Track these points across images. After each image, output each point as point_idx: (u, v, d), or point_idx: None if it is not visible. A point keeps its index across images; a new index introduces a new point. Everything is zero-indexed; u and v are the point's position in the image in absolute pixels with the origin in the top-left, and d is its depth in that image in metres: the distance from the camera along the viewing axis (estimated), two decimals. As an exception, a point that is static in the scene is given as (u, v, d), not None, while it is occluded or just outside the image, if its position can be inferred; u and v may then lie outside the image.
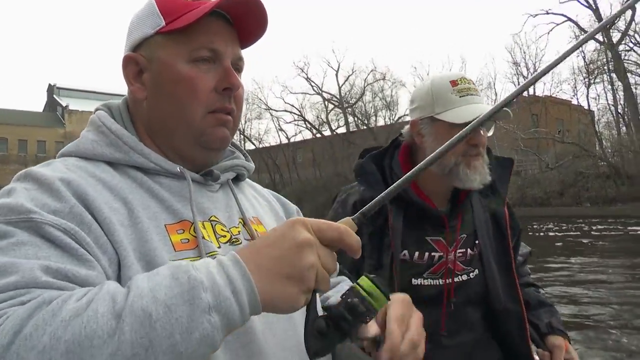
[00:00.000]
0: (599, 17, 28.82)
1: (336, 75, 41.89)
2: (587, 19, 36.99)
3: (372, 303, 0.68)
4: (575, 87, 33.37)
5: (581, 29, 29.94)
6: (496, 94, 37.38)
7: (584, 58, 30.46)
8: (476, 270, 1.57)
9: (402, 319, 0.83)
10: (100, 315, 0.55)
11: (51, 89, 62.01)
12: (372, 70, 41.17)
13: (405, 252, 1.51)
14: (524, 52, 33.11)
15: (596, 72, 30.04)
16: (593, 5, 28.91)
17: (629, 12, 28.37)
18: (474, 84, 1.52)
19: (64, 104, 57.24)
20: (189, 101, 0.86)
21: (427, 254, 1.52)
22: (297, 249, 0.64)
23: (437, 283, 1.53)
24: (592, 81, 30.86)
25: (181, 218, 0.83)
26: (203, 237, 0.83)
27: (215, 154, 0.95)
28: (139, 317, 0.55)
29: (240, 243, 0.90)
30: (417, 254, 1.52)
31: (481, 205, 1.63)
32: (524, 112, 31.53)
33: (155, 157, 0.87)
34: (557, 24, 31.31)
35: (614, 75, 29.22)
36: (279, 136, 46.78)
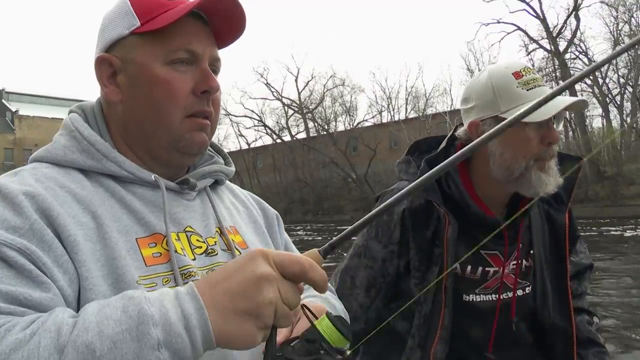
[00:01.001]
0: (546, 26, 30.19)
1: (296, 80, 42.07)
2: (535, 28, 38.68)
3: (330, 344, 0.66)
4: (526, 94, 34.42)
5: (530, 38, 31.27)
6: (452, 100, 38.50)
7: (532, 66, 31.73)
8: (530, 284, 1.41)
9: None
10: (42, 348, 0.54)
11: (-1, 94, 59.37)
12: (331, 76, 41.60)
13: (457, 265, 1.34)
14: (478, 60, 34.08)
15: (545, 79, 31.36)
16: (541, 15, 30.26)
17: (573, 22, 29.87)
18: (536, 72, 1.31)
19: (13, 109, 54.75)
20: (166, 104, 0.83)
21: (480, 268, 1.35)
22: (255, 283, 0.61)
23: (490, 299, 1.36)
24: (540, 88, 32.12)
25: (153, 231, 0.81)
26: (176, 251, 0.81)
27: (193, 158, 0.94)
28: (82, 352, 0.54)
29: (217, 254, 0.88)
30: (469, 268, 1.35)
31: (539, 210, 1.43)
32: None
33: (129, 165, 0.84)
34: (508, 33, 32.50)
35: (561, 82, 30.61)
36: (239, 142, 46.53)
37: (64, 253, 0.70)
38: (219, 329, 0.60)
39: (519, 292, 1.38)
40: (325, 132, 39.82)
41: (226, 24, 0.89)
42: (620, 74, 31.72)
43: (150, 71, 0.83)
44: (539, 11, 30.20)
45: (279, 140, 43.98)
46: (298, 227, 26.85)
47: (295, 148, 41.04)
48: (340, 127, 42.61)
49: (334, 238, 0.69)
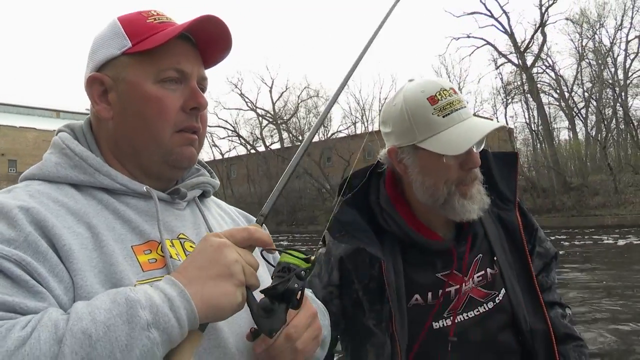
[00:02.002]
0: (514, 41, 31.09)
1: (270, 91, 42.16)
2: (504, 43, 39.74)
3: (297, 266, 0.77)
4: (495, 106, 35.31)
5: (499, 52, 32.14)
6: (424, 112, 38.87)
7: (501, 79, 32.65)
8: (502, 291, 1.35)
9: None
10: (43, 341, 0.58)
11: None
12: (305, 87, 42.00)
13: (417, 296, 1.29)
14: (449, 72, 34.79)
15: (513, 92, 32.24)
16: (509, 31, 31.16)
17: (540, 37, 30.82)
18: (455, 91, 1.24)
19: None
20: (157, 120, 0.87)
21: (440, 291, 1.29)
22: (217, 251, 0.71)
23: (462, 318, 1.30)
24: (509, 101, 33.11)
25: (148, 238, 0.85)
26: (171, 256, 0.84)
27: (182, 172, 0.98)
28: (79, 339, 0.59)
29: None
30: (430, 295, 1.29)
31: (490, 215, 1.39)
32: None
33: (122, 178, 0.88)
34: (478, 47, 33.39)
35: (529, 95, 31.53)
36: (212, 152, 46.14)
37: (59, 263, 0.73)
38: (201, 298, 0.68)
39: (490, 305, 1.33)
40: (299, 143, 39.88)
41: (213, 45, 0.94)
42: (584, 88, 32.85)
43: (142, 89, 0.87)
44: (507, 27, 31.12)
45: (253, 151, 43.85)
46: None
47: (269, 158, 40.97)
48: (315, 138, 42.56)
49: (264, 206, 0.87)
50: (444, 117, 1.20)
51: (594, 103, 31.91)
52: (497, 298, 1.34)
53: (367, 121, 42.93)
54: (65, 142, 0.90)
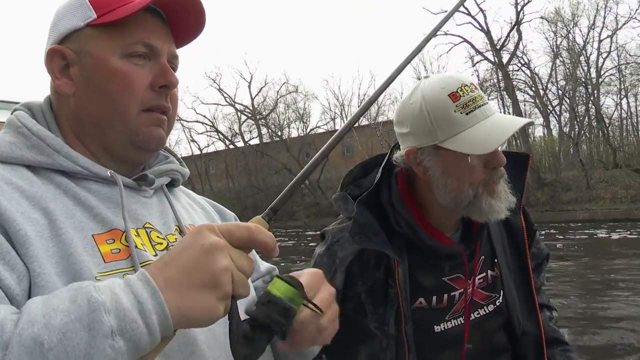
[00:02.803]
0: (490, 39, 31.52)
1: (249, 86, 42.00)
2: (480, 41, 40.23)
3: (290, 299, 0.68)
4: (472, 103, 35.66)
5: (476, 50, 32.57)
6: (402, 108, 39.17)
7: (478, 77, 33.07)
8: (501, 294, 1.35)
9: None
10: None
11: None
12: (284, 83, 41.69)
13: (422, 299, 1.26)
14: (427, 69, 35.09)
15: (489, 89, 32.68)
16: (485, 29, 31.57)
17: (516, 35, 31.32)
18: (476, 87, 1.18)
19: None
20: (123, 97, 0.81)
21: (446, 295, 1.27)
22: (206, 254, 0.60)
23: (459, 322, 1.29)
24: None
25: (111, 227, 0.78)
26: (136, 246, 0.78)
27: (149, 155, 0.91)
28: (28, 347, 0.51)
29: None
30: (435, 298, 1.27)
31: None
32: (428, 125, 33.41)
33: (84, 161, 0.81)
34: (455, 44, 33.82)
35: (504, 92, 32.04)
36: (190, 147, 45.69)
37: (11, 249, 0.66)
38: (177, 307, 0.58)
39: (490, 308, 1.33)
40: (278, 138, 39.80)
41: (185, 21, 0.88)
42: (558, 86, 33.53)
43: (107, 63, 0.81)
44: (483, 24, 31.52)
45: (231, 146, 43.54)
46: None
47: (248, 154, 40.73)
48: (294, 134, 42.62)
49: (274, 201, 0.74)
50: (467, 114, 1.14)
51: (568, 101, 32.60)
52: (497, 301, 1.34)
53: (346, 117, 42.99)
54: (22, 120, 0.82)
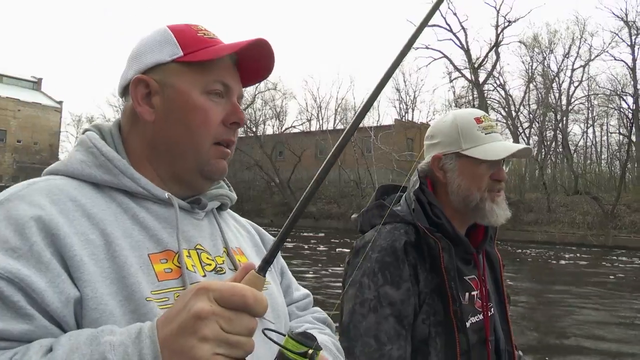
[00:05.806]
0: (469, 57, 32.22)
1: (227, 79, 41.21)
2: (460, 58, 41.03)
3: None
4: (446, 118, 36.19)
5: (454, 66, 33.22)
6: (379, 115, 39.76)
7: (453, 93, 33.75)
8: (491, 308, 1.54)
9: None
10: None
11: None
12: (263, 79, 41.21)
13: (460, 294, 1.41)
14: (406, 80, 35.58)
15: (464, 106, 33.36)
16: (465, 47, 32.24)
17: (495, 56, 32.09)
18: (493, 121, 1.53)
19: None
20: (200, 130, 0.89)
21: (467, 294, 1.45)
22: (190, 324, 0.61)
23: (477, 319, 1.47)
24: (460, 114, 34.06)
25: (165, 247, 0.84)
26: (187, 268, 0.84)
27: (212, 183, 0.99)
28: None
29: (225, 272, 0.92)
30: (467, 295, 1.45)
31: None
32: (400, 135, 33.95)
33: (145, 182, 0.88)
34: (435, 59, 34.30)
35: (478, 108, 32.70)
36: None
37: (62, 273, 0.71)
38: None
39: (481, 316, 1.48)
40: (252, 134, 39.60)
41: (254, 68, 0.98)
42: (530, 109, 34.51)
43: (189, 97, 0.89)
44: (464, 42, 32.19)
45: (204, 138, 42.93)
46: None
47: (221, 147, 40.26)
48: (269, 131, 42.60)
49: (267, 252, 0.69)
50: (486, 134, 1.47)
51: (537, 124, 33.58)
52: (492, 308, 1.52)
53: (322, 119, 43.24)
54: (93, 140, 0.90)
